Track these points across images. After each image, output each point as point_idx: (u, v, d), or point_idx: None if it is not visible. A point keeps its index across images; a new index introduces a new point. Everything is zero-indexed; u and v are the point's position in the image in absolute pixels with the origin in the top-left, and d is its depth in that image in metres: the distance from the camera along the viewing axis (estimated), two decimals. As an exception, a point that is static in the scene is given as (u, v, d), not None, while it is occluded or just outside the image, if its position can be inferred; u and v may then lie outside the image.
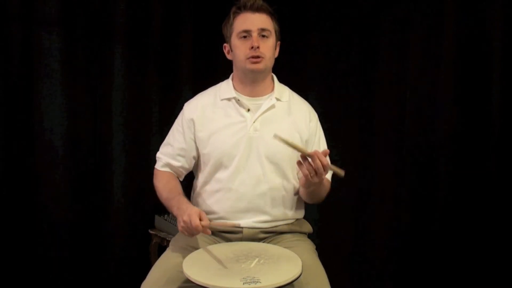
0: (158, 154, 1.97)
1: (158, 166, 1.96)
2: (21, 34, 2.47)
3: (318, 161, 1.62)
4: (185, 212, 1.68)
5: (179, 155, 1.91)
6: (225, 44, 1.91)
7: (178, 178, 1.94)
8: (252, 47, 1.79)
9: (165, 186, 1.88)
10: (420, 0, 2.66)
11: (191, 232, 1.66)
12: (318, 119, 1.98)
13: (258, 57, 1.80)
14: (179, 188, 1.88)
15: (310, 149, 1.87)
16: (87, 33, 2.56)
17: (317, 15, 2.72)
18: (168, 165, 1.93)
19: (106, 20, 2.58)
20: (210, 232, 1.69)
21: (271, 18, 1.86)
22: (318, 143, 1.95)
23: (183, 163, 1.92)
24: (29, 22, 2.47)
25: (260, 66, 1.82)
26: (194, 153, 1.90)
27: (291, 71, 2.58)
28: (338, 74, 2.75)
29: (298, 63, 2.72)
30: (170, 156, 1.92)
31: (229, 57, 1.91)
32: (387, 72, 2.72)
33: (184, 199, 1.80)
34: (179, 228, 1.69)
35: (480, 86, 2.65)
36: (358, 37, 2.72)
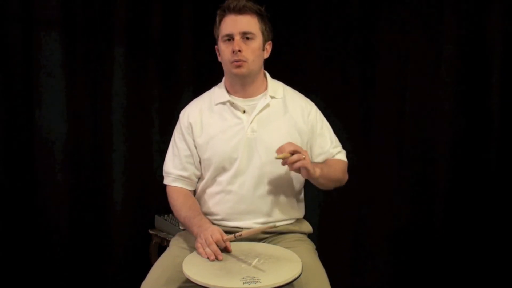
0: (167, 170, 1.90)
1: (169, 182, 1.90)
2: (21, 34, 2.47)
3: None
4: (206, 230, 1.67)
5: (188, 162, 1.88)
6: (216, 47, 1.88)
7: (191, 191, 1.91)
8: (233, 51, 1.77)
9: (184, 204, 1.84)
10: (420, 0, 2.66)
11: (210, 244, 1.62)
12: (317, 109, 1.95)
13: (240, 61, 1.78)
14: (198, 206, 1.85)
15: (314, 140, 1.90)
16: (87, 33, 2.56)
17: (317, 15, 2.72)
18: (179, 178, 1.88)
19: (106, 21, 2.58)
20: (231, 249, 1.65)
21: (258, 19, 1.81)
22: (322, 133, 1.92)
23: (194, 170, 1.89)
24: (29, 22, 2.48)
25: (242, 70, 1.79)
26: (198, 158, 1.88)
27: (291, 70, 2.58)
28: (338, 74, 2.75)
29: (297, 63, 2.71)
30: (180, 168, 1.88)
31: (219, 59, 1.88)
32: (387, 71, 2.72)
33: (206, 219, 1.78)
34: (197, 245, 1.66)
35: (480, 85, 2.65)
36: (358, 37, 2.72)
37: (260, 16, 1.82)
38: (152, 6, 2.65)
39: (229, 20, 1.79)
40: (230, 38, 1.79)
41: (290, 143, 1.71)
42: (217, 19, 1.83)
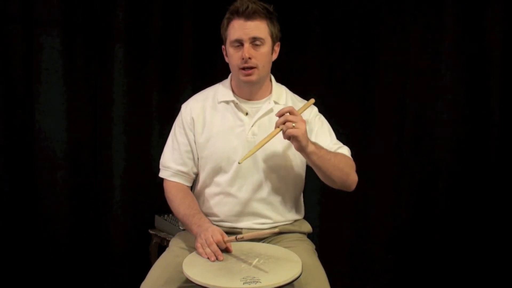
0: (166, 163, 1.88)
1: (167, 176, 1.88)
2: (21, 34, 2.47)
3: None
4: (207, 230, 1.67)
5: (188, 158, 1.86)
6: (223, 46, 1.86)
7: (189, 187, 1.90)
8: (243, 58, 1.74)
9: (183, 201, 1.83)
10: (421, 1, 2.66)
11: (211, 244, 1.62)
12: (317, 112, 1.92)
13: (250, 68, 1.76)
14: (196, 204, 1.85)
15: (312, 137, 1.81)
16: (87, 33, 2.56)
17: (318, 15, 2.72)
18: (178, 173, 1.87)
19: (106, 21, 2.58)
20: (231, 250, 1.65)
21: (267, 22, 1.77)
22: (322, 132, 1.87)
23: (192, 166, 1.87)
24: (29, 22, 2.48)
25: (252, 78, 1.78)
26: (197, 155, 1.87)
27: (291, 71, 2.59)
28: (339, 74, 2.75)
29: (298, 63, 2.71)
30: (180, 162, 1.86)
31: (226, 60, 1.86)
32: (388, 72, 2.72)
33: (205, 218, 1.77)
34: (197, 245, 1.66)
35: (480, 86, 2.66)
36: (358, 37, 2.72)
37: (270, 19, 1.79)
38: (152, 6, 2.65)
39: (238, 25, 1.76)
40: (239, 43, 1.76)
41: (290, 108, 1.65)
42: (225, 21, 1.80)
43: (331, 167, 1.74)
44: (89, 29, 2.56)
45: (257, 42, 1.76)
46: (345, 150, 1.87)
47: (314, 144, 1.70)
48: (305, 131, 1.64)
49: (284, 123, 1.63)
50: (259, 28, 1.76)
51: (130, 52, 2.62)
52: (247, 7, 1.74)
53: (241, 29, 1.75)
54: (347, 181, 1.80)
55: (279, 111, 1.67)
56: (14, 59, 2.48)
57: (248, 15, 1.74)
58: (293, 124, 1.62)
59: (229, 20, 1.78)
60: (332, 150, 1.82)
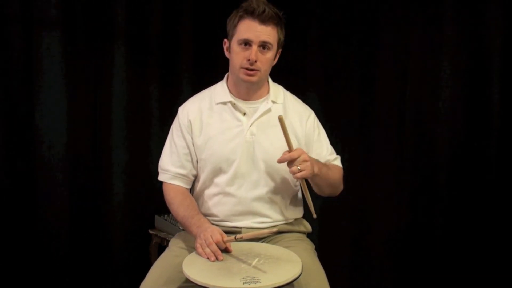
0: (164, 166, 1.89)
1: (166, 179, 1.89)
2: (21, 34, 2.47)
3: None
4: (206, 230, 1.67)
5: (186, 160, 1.86)
6: (225, 40, 1.85)
7: (188, 189, 1.90)
8: (248, 60, 1.74)
9: (181, 203, 1.83)
10: (421, 1, 2.66)
11: (210, 244, 1.63)
12: (315, 116, 1.95)
13: (252, 70, 1.76)
14: (195, 205, 1.85)
15: (310, 147, 1.88)
16: (87, 33, 2.56)
17: (317, 15, 2.72)
18: (177, 175, 1.87)
19: (106, 20, 2.58)
20: (231, 250, 1.66)
21: (277, 29, 1.78)
22: (319, 140, 1.91)
23: (191, 168, 1.87)
24: (29, 22, 2.48)
25: (253, 79, 1.78)
26: (195, 157, 1.88)
27: (291, 71, 2.58)
28: (338, 73, 2.75)
29: (297, 63, 2.71)
30: (178, 165, 1.86)
31: (227, 54, 1.85)
32: (387, 72, 2.72)
33: (205, 219, 1.78)
34: (196, 246, 1.67)
35: (480, 84, 2.65)
36: (358, 36, 2.72)
37: (280, 26, 1.79)
38: (152, 6, 2.65)
39: (250, 25, 1.75)
40: (247, 44, 1.76)
41: (287, 159, 1.69)
42: (237, 18, 1.78)
43: (328, 184, 1.86)
44: (89, 29, 2.56)
45: (265, 46, 1.76)
46: (338, 161, 1.96)
47: (317, 163, 1.75)
48: (310, 166, 1.69)
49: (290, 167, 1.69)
50: (270, 33, 1.76)
51: (130, 52, 2.62)
52: (264, 10, 1.74)
53: (253, 30, 1.75)
54: (336, 192, 1.95)
55: (278, 160, 1.70)
56: (14, 60, 2.48)
57: (264, 19, 1.74)
58: (298, 167, 1.68)
59: (242, 18, 1.77)
60: (328, 160, 1.91)
